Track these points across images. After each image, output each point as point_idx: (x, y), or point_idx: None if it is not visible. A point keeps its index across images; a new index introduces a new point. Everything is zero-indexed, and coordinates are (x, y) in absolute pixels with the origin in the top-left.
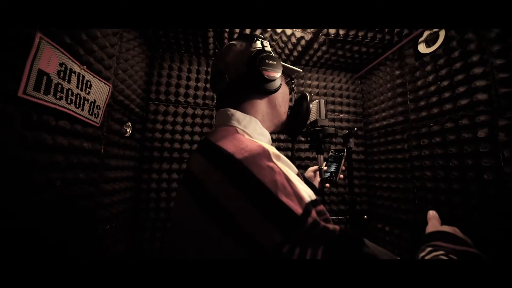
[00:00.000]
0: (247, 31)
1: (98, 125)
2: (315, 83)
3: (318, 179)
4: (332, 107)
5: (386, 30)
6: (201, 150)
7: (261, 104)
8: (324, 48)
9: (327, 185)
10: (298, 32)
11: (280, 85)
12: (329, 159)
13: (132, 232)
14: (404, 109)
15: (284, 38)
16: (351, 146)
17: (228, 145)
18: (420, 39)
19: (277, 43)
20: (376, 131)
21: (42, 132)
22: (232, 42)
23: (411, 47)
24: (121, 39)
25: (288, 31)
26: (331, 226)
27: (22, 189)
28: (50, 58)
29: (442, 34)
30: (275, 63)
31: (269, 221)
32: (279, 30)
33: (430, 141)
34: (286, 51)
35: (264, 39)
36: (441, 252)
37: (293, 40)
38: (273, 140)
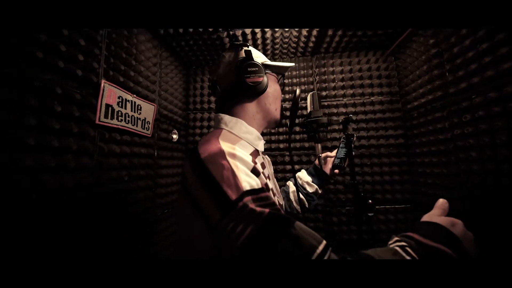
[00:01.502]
0: (265, 31)
1: (149, 135)
2: (339, 68)
3: (329, 166)
4: (360, 90)
5: None
6: (190, 151)
7: (251, 106)
8: (340, 32)
9: (336, 171)
10: None
11: (267, 86)
12: (340, 145)
13: None
14: (442, 82)
15: (295, 33)
16: (350, 133)
17: (201, 147)
18: None
19: (290, 38)
20: (416, 111)
21: (112, 144)
22: (222, 53)
23: None
24: (160, 67)
25: None
26: (258, 209)
27: (104, 182)
28: (111, 94)
29: None
30: (257, 69)
31: (214, 202)
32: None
33: (473, 116)
34: (301, 44)
35: (249, 46)
36: (402, 243)
37: (304, 32)
38: (281, 134)
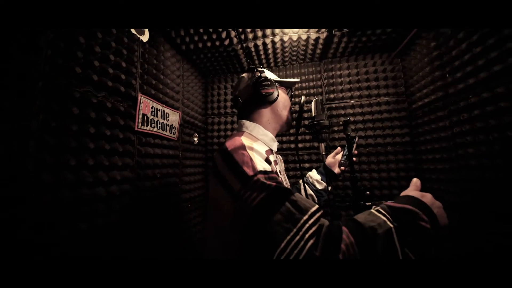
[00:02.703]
0: (264, 32)
1: (175, 139)
2: (346, 72)
3: (337, 164)
4: (367, 92)
5: None
6: (219, 148)
7: (266, 112)
8: (345, 39)
9: (342, 168)
10: (313, 34)
11: (278, 96)
12: (346, 146)
13: (204, 210)
14: (443, 83)
15: (303, 42)
16: (349, 133)
17: (227, 143)
18: None
19: (298, 47)
20: (421, 110)
21: (147, 147)
22: (242, 75)
23: None
24: (183, 78)
25: (304, 36)
26: (268, 182)
27: (143, 178)
28: (146, 105)
29: None
30: (269, 83)
31: (236, 177)
32: (295, 38)
33: (470, 115)
34: (309, 50)
35: (262, 67)
36: (377, 208)
37: (311, 41)
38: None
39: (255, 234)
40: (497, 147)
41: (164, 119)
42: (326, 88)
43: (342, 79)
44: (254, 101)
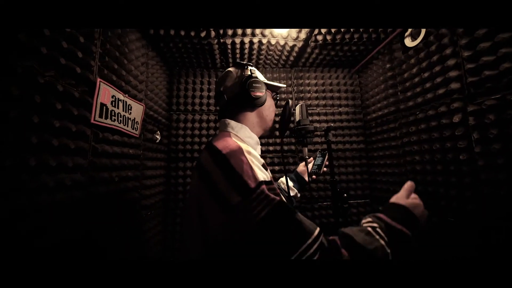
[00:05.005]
0: (250, 31)
1: (137, 135)
2: (314, 81)
3: (307, 172)
4: (330, 102)
5: (371, 29)
6: (207, 147)
7: (251, 115)
8: (317, 51)
9: (314, 176)
10: (290, 41)
11: (265, 100)
12: (317, 156)
13: (165, 217)
14: (395, 100)
15: (279, 47)
16: (330, 139)
17: (219, 144)
18: (406, 33)
19: (274, 51)
20: (374, 121)
21: (104, 145)
22: (229, 69)
23: (399, 41)
24: (147, 67)
25: (281, 42)
26: (272, 196)
27: (96, 183)
28: (106, 93)
29: (423, 28)
30: (259, 85)
31: (235, 188)
32: (273, 42)
33: (417, 128)
34: (283, 57)
35: (253, 66)
36: (374, 224)
37: (287, 48)
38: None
39: (262, 246)
40: (439, 155)
41: (126, 112)
42: (296, 94)
43: (310, 87)
44: (240, 101)
